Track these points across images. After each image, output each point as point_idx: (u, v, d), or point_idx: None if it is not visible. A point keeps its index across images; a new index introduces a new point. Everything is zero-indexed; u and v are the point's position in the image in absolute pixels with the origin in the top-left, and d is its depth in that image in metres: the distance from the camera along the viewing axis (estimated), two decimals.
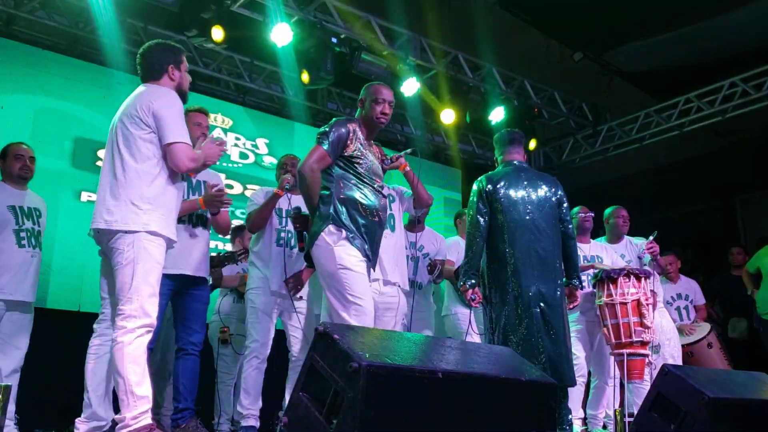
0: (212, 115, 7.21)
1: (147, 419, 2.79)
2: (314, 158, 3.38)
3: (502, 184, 4.05)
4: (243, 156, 7.42)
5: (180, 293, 3.98)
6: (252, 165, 7.46)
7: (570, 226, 4.17)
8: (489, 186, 4.05)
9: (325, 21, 6.35)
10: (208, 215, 4.13)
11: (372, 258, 3.44)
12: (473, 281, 3.90)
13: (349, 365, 1.86)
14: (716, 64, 7.36)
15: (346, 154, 3.44)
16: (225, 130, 7.30)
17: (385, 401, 1.87)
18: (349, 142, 3.45)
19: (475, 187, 4.13)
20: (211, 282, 5.34)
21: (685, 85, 7.76)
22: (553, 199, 4.12)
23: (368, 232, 3.41)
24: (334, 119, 3.53)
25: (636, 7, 6.84)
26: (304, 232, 3.66)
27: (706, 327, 5.83)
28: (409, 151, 3.99)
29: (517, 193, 4.03)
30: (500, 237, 3.93)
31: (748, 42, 7.08)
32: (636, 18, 7.03)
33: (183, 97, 3.23)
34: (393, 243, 4.16)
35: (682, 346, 5.63)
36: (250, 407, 4.08)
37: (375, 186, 3.52)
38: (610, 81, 8.19)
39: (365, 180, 3.48)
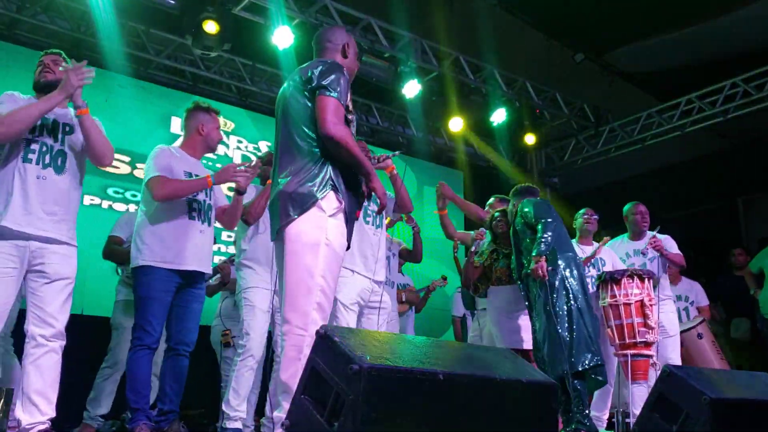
0: None
1: None
2: (335, 114, 2.69)
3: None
4: (245, 159, 7.43)
5: (180, 290, 3.80)
6: None
7: None
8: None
9: (326, 23, 6.37)
10: (215, 204, 4.00)
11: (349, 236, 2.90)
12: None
13: (349, 367, 1.86)
14: (717, 64, 7.37)
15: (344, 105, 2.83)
16: (227, 133, 7.31)
17: (387, 403, 1.88)
18: (348, 92, 2.85)
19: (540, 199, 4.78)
20: (220, 279, 5.33)
21: (686, 86, 7.77)
22: None
23: (352, 205, 2.87)
24: (329, 62, 2.87)
25: (637, 9, 6.84)
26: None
27: (697, 319, 5.82)
28: (396, 153, 4.01)
29: None
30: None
31: (750, 43, 7.08)
32: (637, 19, 7.04)
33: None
34: (380, 240, 4.15)
35: None
36: (237, 409, 3.95)
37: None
38: (611, 82, 8.19)
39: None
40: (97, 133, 3.36)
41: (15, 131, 3.14)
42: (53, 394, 3.19)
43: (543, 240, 4.32)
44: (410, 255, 5.65)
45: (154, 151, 3.89)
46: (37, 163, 3.25)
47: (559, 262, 4.35)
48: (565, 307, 4.25)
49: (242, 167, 3.85)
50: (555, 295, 4.27)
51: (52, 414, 3.17)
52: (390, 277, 5.20)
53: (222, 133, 4.13)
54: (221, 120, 4.20)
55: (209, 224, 3.95)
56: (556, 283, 4.30)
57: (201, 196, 3.88)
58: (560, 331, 4.17)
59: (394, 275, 5.40)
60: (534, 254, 4.30)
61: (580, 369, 4.10)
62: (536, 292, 4.35)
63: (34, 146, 3.25)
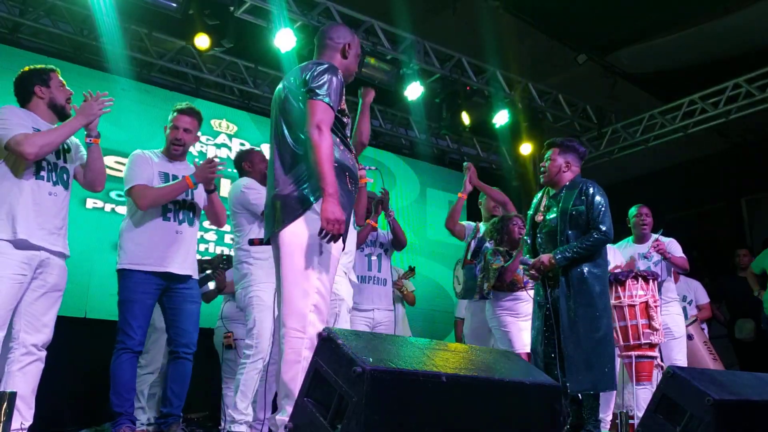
0: (217, 121, 7.25)
1: None
2: (320, 118, 2.70)
3: None
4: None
5: (168, 292, 3.84)
6: None
7: None
8: None
9: None
10: (199, 203, 4.01)
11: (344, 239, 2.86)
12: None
13: (352, 370, 1.86)
14: (720, 65, 7.35)
15: (338, 108, 2.85)
16: (230, 136, 7.32)
17: (390, 406, 1.88)
18: (342, 94, 2.89)
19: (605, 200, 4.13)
20: (215, 286, 5.35)
21: (689, 87, 7.75)
22: None
23: (350, 206, 2.90)
24: (324, 65, 2.85)
25: (640, 9, 6.83)
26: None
27: (689, 320, 5.81)
28: (374, 168, 4.09)
29: None
30: None
31: (752, 43, 7.06)
32: (640, 20, 7.02)
33: (58, 110, 3.49)
34: (352, 238, 4.13)
35: None
36: (245, 412, 3.87)
37: (354, 152, 3.01)
38: (614, 83, 8.18)
39: (348, 143, 2.92)
40: (102, 164, 3.59)
41: (43, 155, 3.29)
42: (32, 401, 3.26)
43: (581, 250, 3.82)
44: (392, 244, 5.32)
45: (130, 158, 3.96)
46: (48, 180, 3.38)
47: (603, 275, 3.94)
48: (604, 325, 3.83)
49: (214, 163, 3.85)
50: (598, 312, 3.83)
51: (31, 420, 3.23)
52: (380, 275, 5.10)
53: (175, 132, 4.00)
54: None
55: (190, 224, 3.96)
56: (602, 299, 3.87)
57: (179, 196, 3.90)
58: (598, 350, 3.79)
59: (385, 272, 5.15)
60: (553, 255, 3.86)
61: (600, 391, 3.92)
62: (571, 302, 3.85)
63: (44, 163, 3.36)
